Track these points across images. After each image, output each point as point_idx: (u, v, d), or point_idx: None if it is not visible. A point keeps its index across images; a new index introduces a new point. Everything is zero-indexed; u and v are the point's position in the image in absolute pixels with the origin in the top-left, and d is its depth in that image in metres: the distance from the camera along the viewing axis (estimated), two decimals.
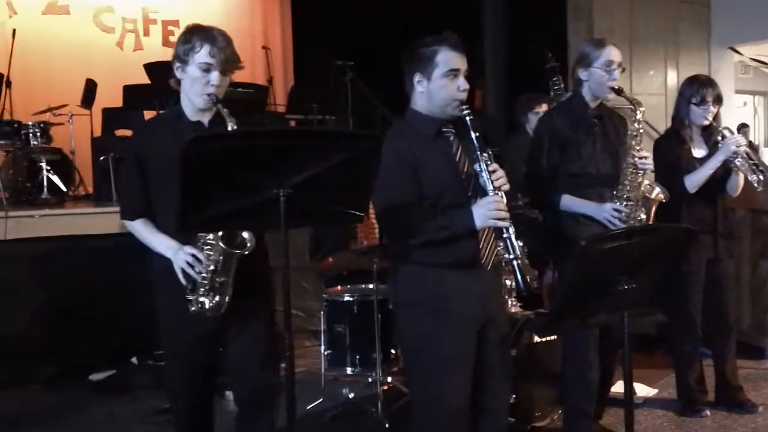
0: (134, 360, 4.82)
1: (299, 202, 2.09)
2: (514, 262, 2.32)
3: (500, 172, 2.41)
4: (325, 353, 4.18)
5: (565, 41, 7.11)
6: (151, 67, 6.58)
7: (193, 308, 2.49)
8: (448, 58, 2.47)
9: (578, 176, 3.21)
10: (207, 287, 2.48)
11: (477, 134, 2.39)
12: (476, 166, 2.40)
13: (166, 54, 8.31)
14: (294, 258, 4.50)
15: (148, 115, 6.52)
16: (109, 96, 6.92)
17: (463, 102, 2.46)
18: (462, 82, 2.48)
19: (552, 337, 3.62)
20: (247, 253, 2.49)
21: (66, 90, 7.05)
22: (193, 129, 2.54)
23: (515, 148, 4.81)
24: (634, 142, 3.15)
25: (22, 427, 4.05)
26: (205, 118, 2.59)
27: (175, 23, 8.84)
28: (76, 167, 6.44)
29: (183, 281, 2.49)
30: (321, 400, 4.13)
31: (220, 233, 2.45)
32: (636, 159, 3.13)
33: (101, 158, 5.89)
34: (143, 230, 2.63)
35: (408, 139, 2.48)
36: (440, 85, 2.47)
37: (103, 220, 5.09)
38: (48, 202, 5.57)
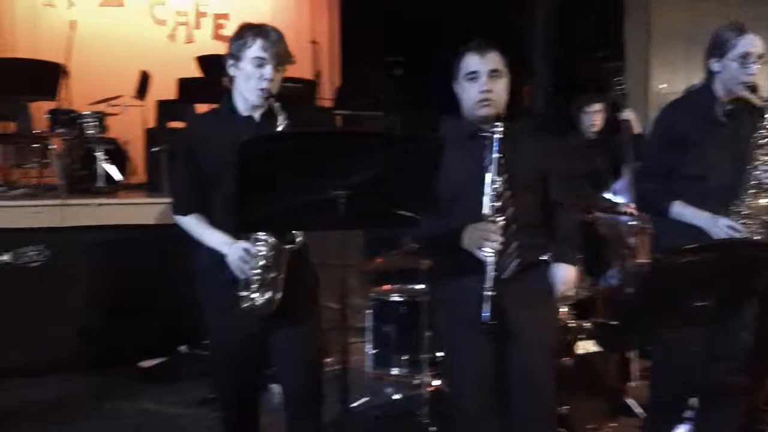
0: (183, 349, 4.87)
1: (357, 203, 2.10)
2: (485, 293, 2.35)
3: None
4: (371, 352, 4.18)
5: (621, 37, 6.99)
6: (203, 60, 6.68)
7: (245, 305, 2.50)
8: (468, 62, 2.55)
9: (695, 181, 2.89)
10: (259, 283, 2.49)
11: (500, 155, 2.42)
12: (486, 186, 2.42)
13: (216, 47, 8.54)
14: (339, 255, 4.54)
15: (201, 108, 6.64)
16: (161, 87, 7.03)
17: (500, 118, 2.48)
18: (481, 84, 2.51)
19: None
20: (297, 247, 2.51)
21: (120, 81, 7.13)
22: (245, 124, 2.57)
23: (566, 147, 4.75)
24: (761, 152, 2.79)
25: (72, 411, 4.14)
26: (257, 113, 2.61)
27: (225, 16, 8.94)
28: (129, 157, 6.54)
29: (239, 275, 2.50)
30: (365, 399, 4.13)
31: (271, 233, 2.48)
32: (761, 172, 2.78)
33: (154, 149, 5.97)
34: (195, 226, 2.64)
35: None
36: (463, 88, 2.56)
37: (156, 211, 5.18)
38: (102, 191, 5.68)
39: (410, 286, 4.31)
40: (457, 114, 2.61)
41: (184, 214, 2.66)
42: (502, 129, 2.44)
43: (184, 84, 5.91)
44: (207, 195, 2.60)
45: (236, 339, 2.63)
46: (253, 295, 2.49)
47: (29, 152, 5.91)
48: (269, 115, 2.53)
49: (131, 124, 6.87)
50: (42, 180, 5.89)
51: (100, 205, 5.10)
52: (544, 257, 2.64)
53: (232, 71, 2.57)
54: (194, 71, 6.52)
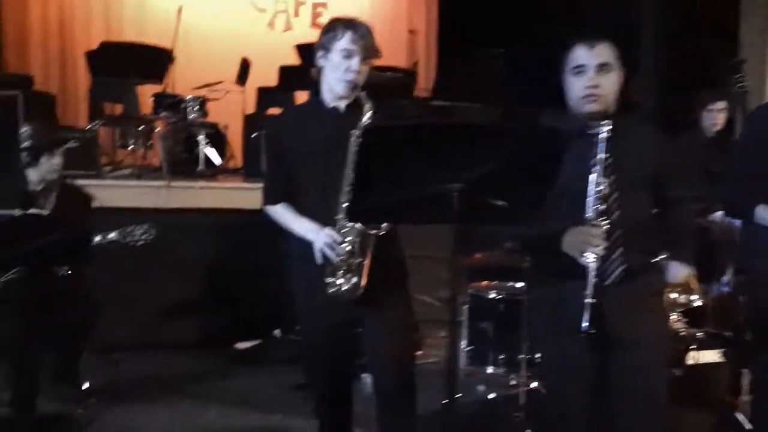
0: (277, 333, 4.93)
1: (471, 198, 2.04)
2: (586, 301, 2.25)
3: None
4: (466, 349, 4.12)
5: (736, 36, 6.65)
6: (302, 48, 6.73)
7: (331, 290, 2.53)
8: (575, 55, 2.40)
9: None
10: (344, 269, 2.52)
11: (606, 155, 2.30)
12: (590, 188, 2.31)
13: (314, 35, 8.41)
14: (432, 248, 4.49)
15: (300, 95, 6.70)
16: (260, 74, 7.14)
17: (607, 116, 2.35)
18: (587, 79, 2.37)
19: (719, 360, 3.41)
20: (382, 233, 2.52)
21: (222, 67, 7.28)
22: (330, 114, 2.61)
23: (684, 145, 4.54)
24: None
25: (167, 389, 4.24)
26: (342, 104, 2.63)
27: (323, 5, 8.98)
28: (228, 142, 6.66)
29: (319, 261, 2.54)
30: (457, 395, 4.06)
31: None
32: None
33: (253, 135, 6.04)
34: (284, 214, 2.69)
35: None
36: (569, 83, 2.42)
37: (254, 195, 5.22)
38: (203, 174, 5.80)
39: (509, 284, 4.24)
40: (562, 109, 2.49)
41: (273, 203, 2.72)
42: (609, 128, 2.32)
43: (285, 71, 5.96)
44: (295, 184, 2.65)
45: (325, 326, 2.67)
46: (338, 281, 2.53)
47: (134, 134, 6.08)
48: (355, 106, 2.58)
49: (231, 110, 7.00)
50: (145, 162, 6.06)
51: (202, 188, 5.19)
52: (654, 261, 2.50)
53: (321, 62, 2.63)
54: (292, 59, 6.57)
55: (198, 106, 6.20)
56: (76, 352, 3.82)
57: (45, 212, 3.58)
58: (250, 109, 7.10)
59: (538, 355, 4.02)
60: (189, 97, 6.27)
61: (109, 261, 3.74)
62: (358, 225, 2.49)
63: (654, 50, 7.69)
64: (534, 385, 3.92)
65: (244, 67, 7.04)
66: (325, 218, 2.55)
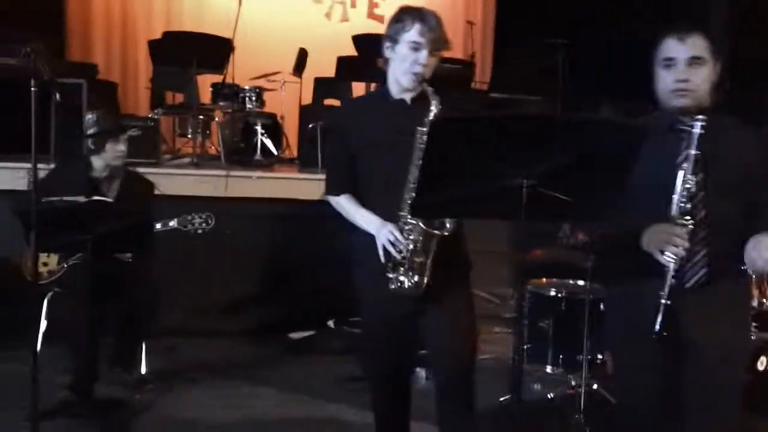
0: (331, 323, 4.93)
1: (541, 194, 2.00)
2: (661, 302, 2.17)
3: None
4: (524, 347, 4.04)
5: None
6: (359, 39, 6.70)
7: (393, 286, 2.50)
8: (666, 47, 2.30)
9: None
10: (406, 266, 2.48)
11: (697, 152, 2.20)
12: (677, 185, 2.22)
13: (369, 26, 8.59)
14: (490, 243, 4.43)
15: (357, 86, 6.68)
16: (316, 65, 7.14)
17: (702, 111, 2.24)
18: (677, 72, 2.26)
19: None
20: (447, 234, 2.47)
21: (279, 57, 7.31)
22: (396, 107, 2.57)
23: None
24: None
25: (223, 376, 4.27)
26: (408, 96, 2.58)
27: None
28: (284, 132, 6.68)
29: (382, 258, 2.50)
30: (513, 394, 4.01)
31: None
32: None
33: (309, 126, 6.05)
34: (347, 206, 2.65)
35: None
36: (659, 76, 2.32)
37: (309, 186, 5.25)
38: (260, 164, 5.83)
39: (570, 282, 4.15)
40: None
41: (337, 194, 2.68)
42: (704, 124, 2.21)
43: (342, 62, 5.94)
44: (358, 176, 2.62)
45: (387, 320, 2.64)
46: (401, 278, 2.49)
47: (193, 123, 6.15)
48: (421, 99, 2.52)
49: (287, 100, 7.02)
50: (203, 150, 6.12)
51: (259, 178, 5.21)
52: (740, 268, 2.35)
53: (387, 53, 2.57)
54: (348, 49, 6.55)
55: (255, 96, 6.24)
56: (136, 338, 3.87)
57: (109, 199, 3.63)
58: (307, 99, 7.11)
59: (599, 357, 3.99)
60: (247, 87, 6.31)
61: (166, 248, 3.77)
62: (422, 225, 2.44)
63: (724, 39, 7.45)
64: (595, 386, 3.87)
65: (302, 57, 7.05)
66: (389, 212, 2.51)
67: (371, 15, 9.02)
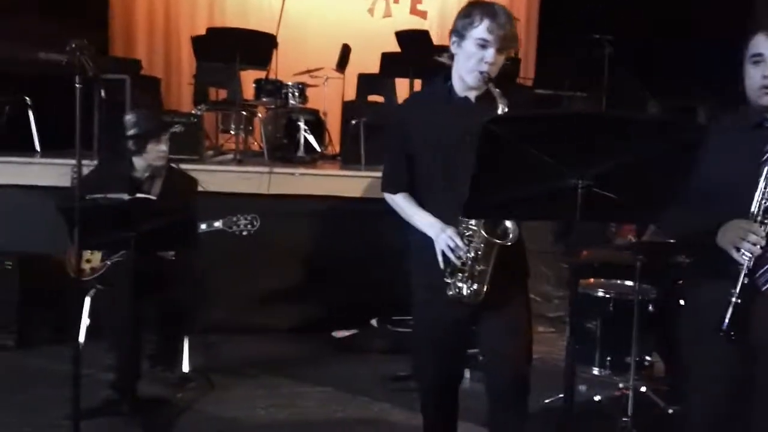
0: (374, 322, 4.88)
1: (597, 194, 1.92)
2: (732, 299, 2.12)
3: None
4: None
5: None
6: (402, 35, 6.63)
7: (451, 292, 2.42)
8: (755, 43, 2.23)
9: None
10: (466, 274, 2.38)
11: None
12: (760, 182, 2.14)
13: (412, 22, 8.52)
14: (535, 241, 4.33)
15: (401, 83, 6.61)
16: (358, 61, 7.11)
17: None
18: (765, 69, 2.18)
19: None
20: (509, 244, 2.37)
21: (322, 53, 7.29)
22: (460, 105, 2.45)
23: None
24: None
25: (266, 374, 4.24)
26: (472, 94, 2.46)
27: None
28: (327, 128, 6.65)
29: (441, 264, 2.41)
30: (560, 395, 3.91)
31: (483, 223, 2.35)
32: None
33: (353, 122, 6.00)
34: (405, 205, 2.56)
35: (720, 128, 2.30)
36: (747, 73, 2.24)
37: (352, 183, 5.21)
38: (303, 160, 5.79)
39: (618, 282, 4.05)
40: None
41: (394, 192, 2.60)
42: None
43: (386, 58, 5.87)
44: (418, 174, 2.53)
45: (441, 324, 2.55)
46: (459, 284, 2.41)
47: (236, 119, 6.15)
48: (486, 98, 2.40)
49: (330, 96, 6.99)
50: (246, 146, 6.11)
51: (302, 174, 5.18)
52: None
53: (454, 48, 2.45)
54: (390, 45, 6.49)
55: (298, 92, 6.20)
56: (178, 336, 3.87)
57: (152, 197, 3.62)
58: (349, 95, 7.08)
59: (647, 359, 3.89)
60: (290, 83, 6.29)
61: (208, 245, 3.75)
62: (484, 232, 2.35)
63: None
64: (643, 389, 3.77)
65: (345, 53, 7.00)
66: (449, 215, 2.41)
67: (414, 11, 8.96)
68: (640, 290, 3.70)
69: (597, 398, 3.86)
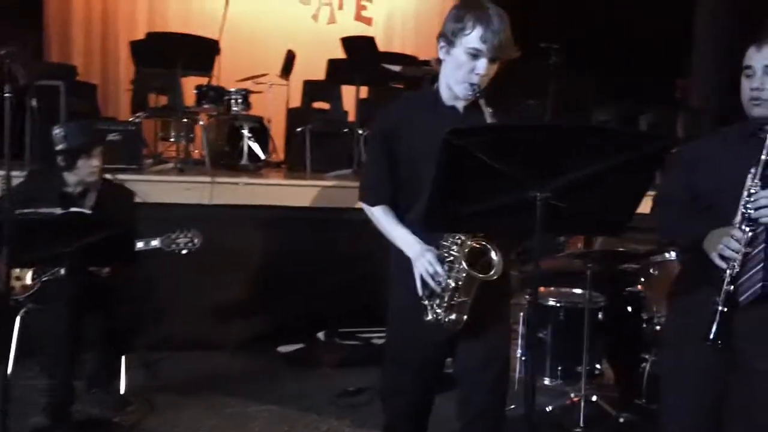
0: (320, 336, 4.77)
1: (557, 207, 1.89)
2: (717, 308, 2.10)
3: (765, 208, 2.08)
4: (523, 358, 3.91)
5: None
6: (348, 42, 6.56)
7: (429, 318, 2.28)
8: (747, 55, 2.23)
9: None
10: (445, 303, 2.25)
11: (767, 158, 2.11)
12: (745, 191, 2.12)
13: (357, 28, 8.44)
14: None
15: (347, 89, 6.52)
16: (302, 67, 7.01)
17: None
18: (754, 81, 2.19)
19: None
20: (493, 279, 2.22)
21: (266, 59, 7.17)
22: (447, 115, 2.30)
23: None
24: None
25: (214, 389, 4.09)
26: (460, 104, 2.32)
27: None
28: (272, 136, 6.52)
29: (419, 290, 2.28)
30: (513, 406, 3.87)
31: (466, 253, 2.21)
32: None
33: (298, 129, 5.89)
34: (384, 220, 2.41)
35: (722, 137, 2.34)
36: (741, 84, 2.25)
37: (298, 193, 5.09)
38: (246, 169, 5.63)
39: (569, 290, 4.04)
40: None
41: (373, 204, 2.44)
42: None
43: (333, 65, 5.78)
44: (400, 185, 2.39)
45: (422, 344, 2.41)
46: (438, 310, 2.27)
47: (177, 126, 5.96)
48: (474, 108, 2.24)
49: (274, 103, 6.87)
50: (187, 155, 5.94)
51: (247, 184, 5.04)
52: None
53: (441, 54, 2.28)
54: (335, 52, 6.40)
55: (242, 99, 6.03)
56: (115, 356, 3.68)
57: (87, 211, 3.44)
58: (294, 102, 6.97)
59: (598, 367, 3.88)
60: (233, 89, 6.13)
61: (147, 258, 3.56)
62: (466, 264, 2.20)
63: (706, 45, 7.38)
64: (594, 398, 3.76)
65: (289, 59, 6.90)
66: (430, 234, 2.29)
67: (359, 17, 8.92)
68: (590, 298, 3.69)
69: (549, 408, 3.82)
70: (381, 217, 2.42)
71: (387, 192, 2.40)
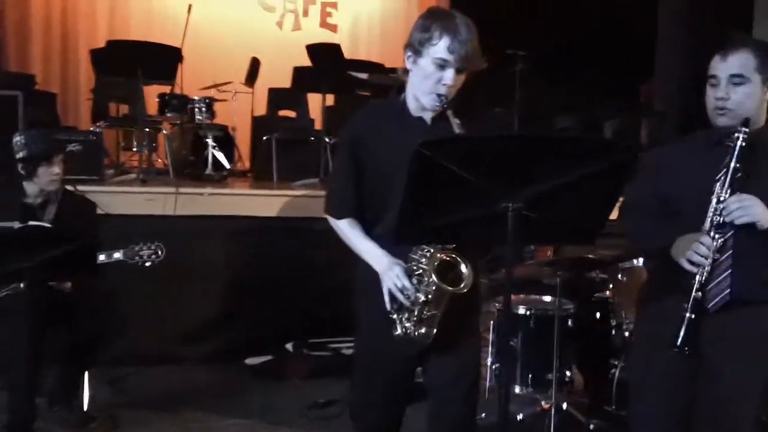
0: (289, 347, 4.70)
1: (529, 217, 1.89)
2: (686, 315, 2.13)
3: (736, 209, 2.12)
4: (493, 366, 3.90)
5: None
6: (313, 49, 6.51)
7: (398, 332, 2.24)
8: (711, 64, 2.25)
9: None
10: (414, 317, 2.22)
11: (737, 165, 2.13)
12: (713, 198, 2.15)
13: (322, 35, 8.43)
14: None
15: (313, 97, 6.48)
16: (267, 75, 6.96)
17: (746, 124, 2.16)
18: (719, 90, 2.20)
19: None
20: (462, 292, 2.19)
21: (230, 67, 7.11)
22: (415, 126, 2.27)
23: None
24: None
25: (181, 404, 4.01)
26: (428, 115, 2.29)
27: (334, 5, 8.88)
28: (237, 144, 6.45)
29: (388, 305, 2.24)
30: (483, 415, 3.86)
31: (435, 266, 2.17)
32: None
33: (264, 138, 5.83)
34: (350, 233, 2.37)
35: (687, 144, 2.38)
36: (707, 91, 2.24)
37: (264, 202, 5.02)
38: (211, 178, 5.56)
39: (538, 298, 4.03)
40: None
41: (339, 217, 2.39)
42: (745, 136, 2.13)
43: (298, 72, 5.74)
44: (367, 197, 2.35)
45: (392, 358, 2.37)
46: (407, 324, 2.24)
47: (139, 136, 5.86)
48: (442, 119, 2.21)
49: (239, 111, 6.80)
50: (150, 164, 5.84)
51: (211, 194, 4.96)
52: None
53: (408, 64, 2.24)
54: (300, 59, 6.36)
55: (206, 107, 5.97)
56: (78, 372, 3.59)
57: (46, 224, 3.35)
58: (259, 110, 6.91)
59: (568, 374, 3.88)
60: (196, 97, 6.06)
61: (111, 271, 3.50)
62: (436, 278, 2.16)
63: (668, 49, 7.49)
64: (564, 406, 3.75)
65: (254, 67, 6.84)
66: (399, 247, 2.25)
67: (324, 24, 8.90)
68: (559, 306, 3.69)
69: (519, 417, 3.81)
70: (347, 230, 2.38)
71: (353, 204, 2.36)
